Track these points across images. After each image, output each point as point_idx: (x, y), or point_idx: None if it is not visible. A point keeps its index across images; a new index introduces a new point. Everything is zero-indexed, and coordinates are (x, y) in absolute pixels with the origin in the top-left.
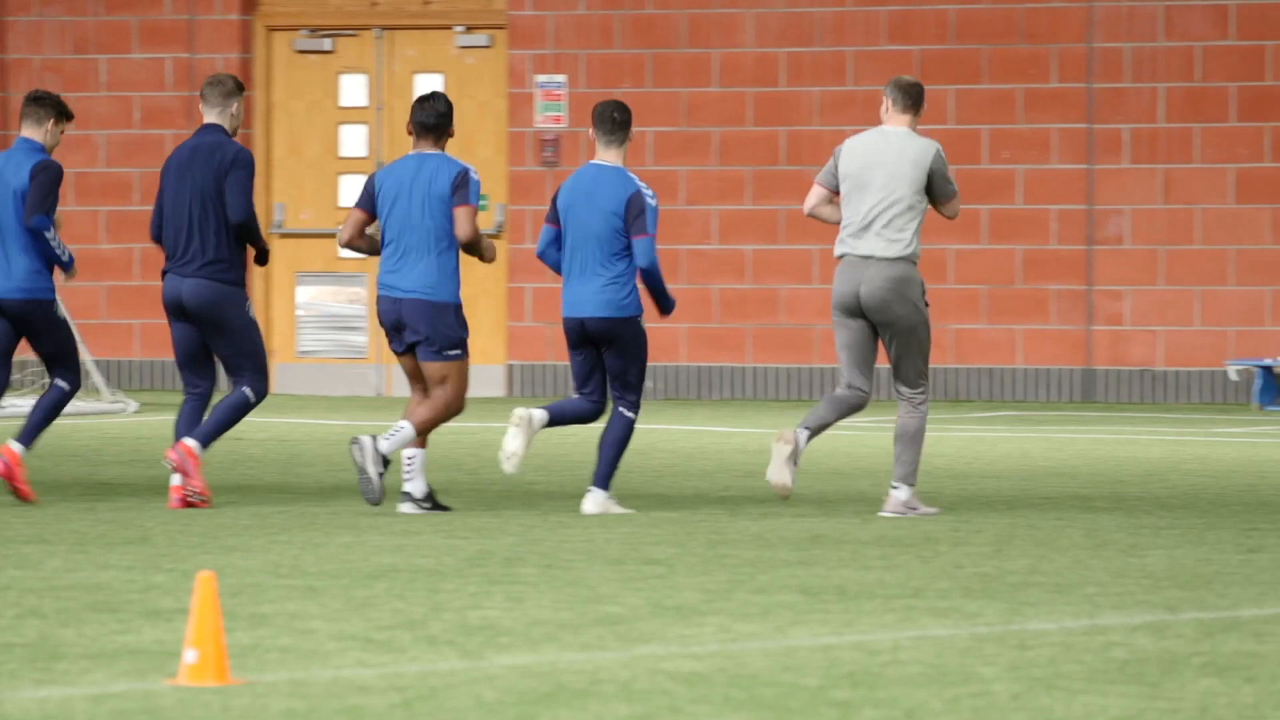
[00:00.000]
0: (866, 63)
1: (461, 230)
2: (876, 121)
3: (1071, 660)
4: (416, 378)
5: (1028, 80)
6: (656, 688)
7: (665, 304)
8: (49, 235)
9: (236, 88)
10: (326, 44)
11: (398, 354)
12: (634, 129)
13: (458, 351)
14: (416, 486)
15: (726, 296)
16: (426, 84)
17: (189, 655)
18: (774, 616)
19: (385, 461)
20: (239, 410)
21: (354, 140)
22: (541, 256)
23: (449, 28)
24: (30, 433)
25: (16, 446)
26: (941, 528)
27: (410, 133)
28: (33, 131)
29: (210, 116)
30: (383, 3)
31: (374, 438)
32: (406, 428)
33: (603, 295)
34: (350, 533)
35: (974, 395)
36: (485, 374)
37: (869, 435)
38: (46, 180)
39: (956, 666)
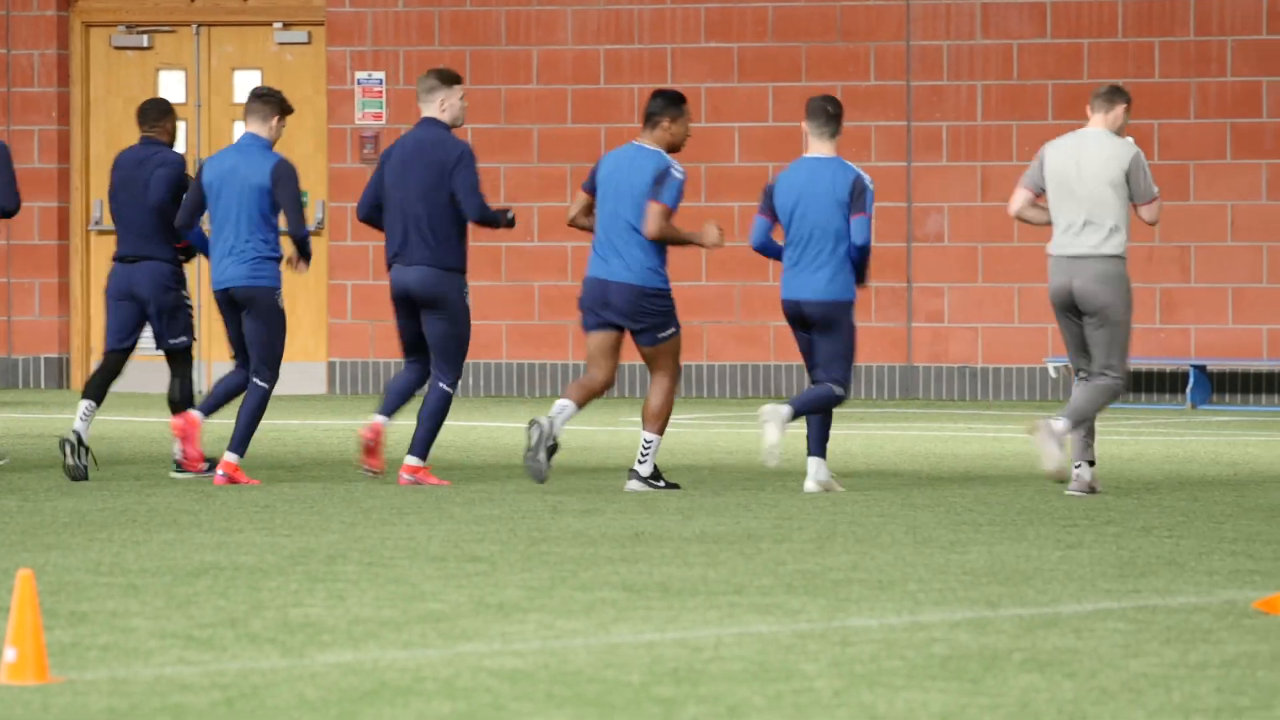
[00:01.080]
0: (686, 60)
1: (648, 226)
2: (695, 119)
3: (893, 656)
4: (598, 359)
5: (846, 78)
6: (479, 685)
7: (864, 277)
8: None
9: (440, 80)
10: (144, 40)
11: (589, 330)
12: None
13: (670, 331)
14: (646, 468)
15: (547, 293)
16: (245, 80)
17: (8, 654)
18: (596, 613)
19: (555, 445)
20: (443, 412)
21: None
22: (761, 249)
23: (268, 24)
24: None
25: (232, 457)
26: (764, 524)
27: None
28: (258, 127)
29: (425, 111)
30: None
31: (551, 420)
32: (569, 406)
33: (826, 281)
34: (171, 530)
35: (794, 393)
36: (306, 371)
37: (691, 434)
38: (295, 187)
39: (779, 663)
